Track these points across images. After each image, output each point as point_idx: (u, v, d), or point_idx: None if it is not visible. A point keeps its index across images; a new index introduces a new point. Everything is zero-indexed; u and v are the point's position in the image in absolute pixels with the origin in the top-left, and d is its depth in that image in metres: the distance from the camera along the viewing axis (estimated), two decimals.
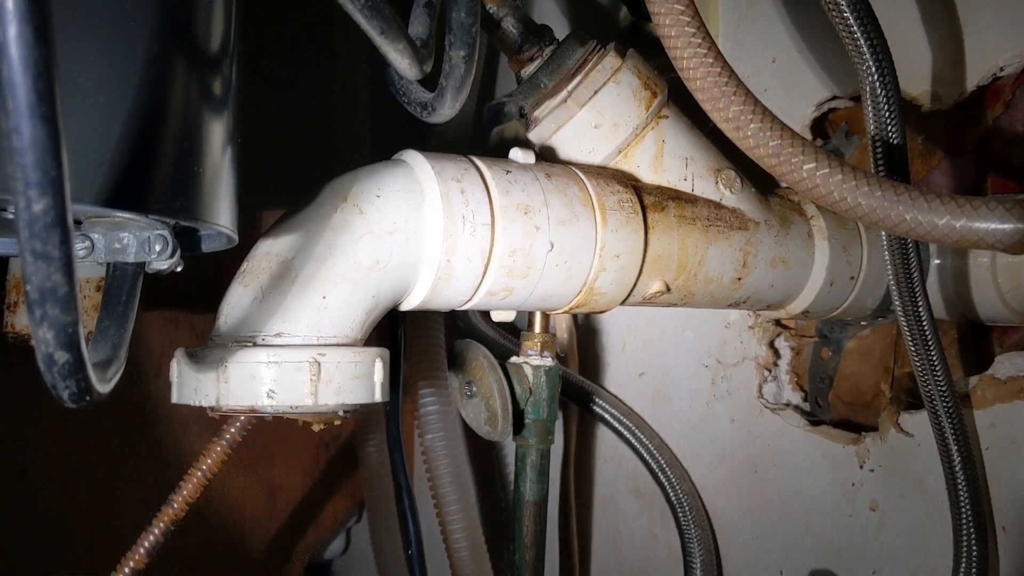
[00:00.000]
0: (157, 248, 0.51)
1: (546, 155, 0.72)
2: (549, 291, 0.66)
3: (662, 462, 1.03)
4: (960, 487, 0.76)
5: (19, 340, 0.73)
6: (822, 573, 0.94)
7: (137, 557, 0.57)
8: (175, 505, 0.58)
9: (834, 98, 0.94)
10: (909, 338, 0.76)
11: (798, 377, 1.02)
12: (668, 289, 0.72)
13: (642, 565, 1.13)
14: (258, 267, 0.59)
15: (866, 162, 0.76)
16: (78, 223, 0.52)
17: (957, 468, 0.77)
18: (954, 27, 0.84)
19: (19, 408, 0.95)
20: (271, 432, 1.22)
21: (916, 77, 0.86)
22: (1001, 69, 0.82)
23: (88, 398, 0.38)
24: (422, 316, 1.09)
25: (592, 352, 1.17)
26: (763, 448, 1.00)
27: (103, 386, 0.41)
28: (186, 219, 0.49)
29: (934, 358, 0.76)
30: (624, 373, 1.14)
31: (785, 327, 1.03)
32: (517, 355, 0.79)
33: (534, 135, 0.72)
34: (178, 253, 0.51)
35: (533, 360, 0.78)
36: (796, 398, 1.01)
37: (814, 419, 0.99)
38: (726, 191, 0.75)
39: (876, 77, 0.70)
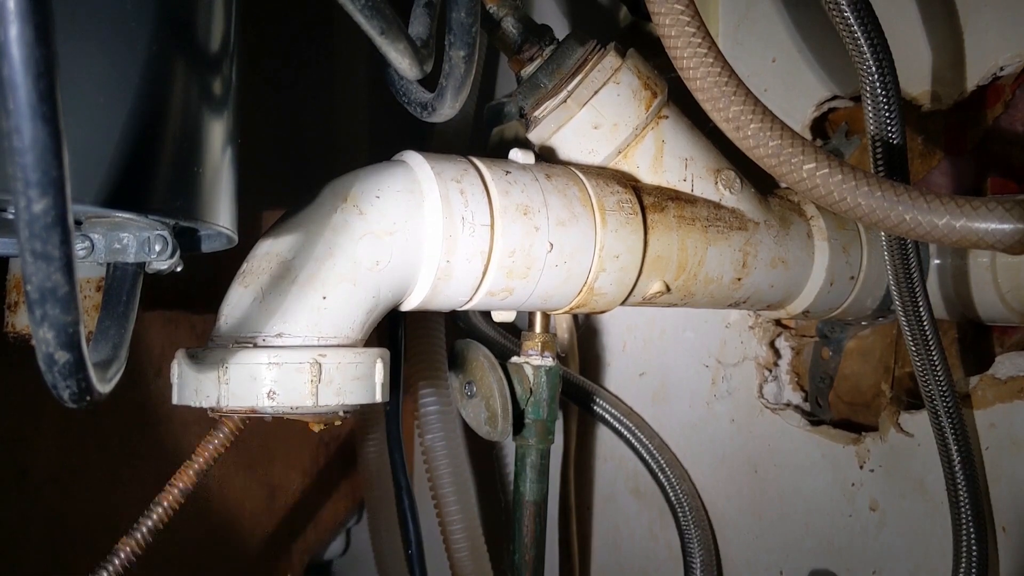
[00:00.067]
0: (157, 248, 0.51)
1: (546, 155, 0.72)
2: (549, 291, 0.66)
3: (662, 462, 1.03)
4: (960, 487, 0.76)
5: (19, 340, 0.73)
6: (822, 573, 0.95)
7: (122, 555, 0.56)
8: (164, 504, 0.57)
9: (834, 98, 0.94)
10: (909, 338, 0.76)
11: (798, 377, 1.02)
12: (668, 289, 0.72)
13: (642, 565, 1.13)
14: (258, 267, 0.59)
15: (866, 162, 0.76)
16: (78, 223, 0.52)
17: (957, 468, 0.77)
18: (954, 27, 0.84)
19: (19, 408, 0.95)
20: (271, 432, 1.22)
21: (916, 77, 0.86)
22: (1001, 69, 0.82)
23: (88, 398, 0.38)
24: (422, 316, 1.09)
25: (592, 352, 1.17)
26: (763, 448, 1.00)
27: (103, 386, 0.41)
28: (186, 219, 0.49)
29: (934, 358, 0.76)
30: (624, 373, 1.14)
31: (785, 327, 1.03)
32: (518, 355, 0.79)
33: (534, 135, 0.72)
34: (178, 253, 0.51)
35: (534, 360, 0.78)
36: (796, 398, 1.01)
37: (814, 419, 0.99)
38: (726, 191, 0.75)
39: (876, 77, 0.70)
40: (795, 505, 0.97)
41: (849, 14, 0.68)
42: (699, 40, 0.60)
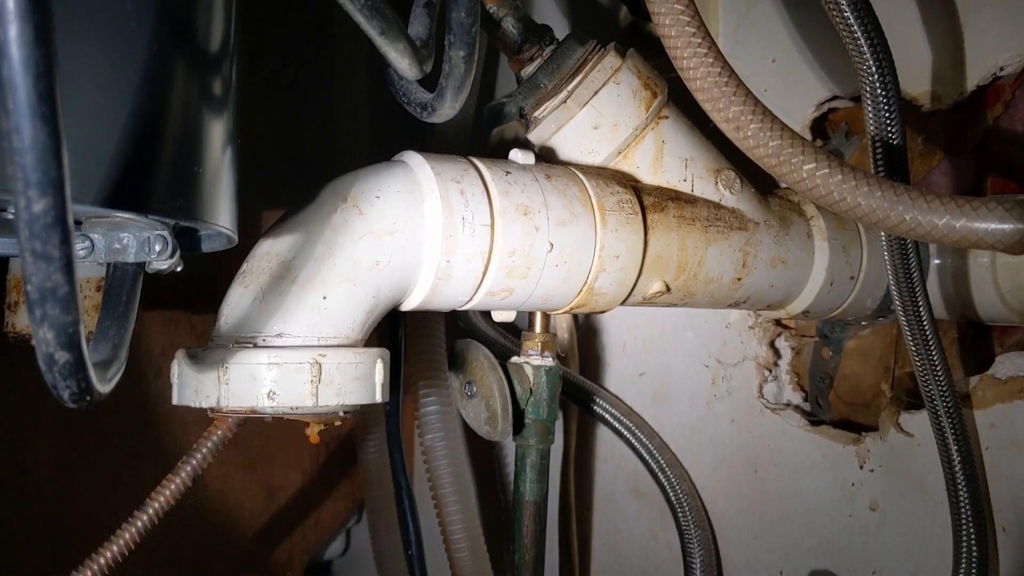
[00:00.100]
0: (157, 248, 0.51)
1: (546, 156, 0.72)
2: (549, 291, 0.66)
3: (662, 462, 1.03)
4: (960, 487, 0.76)
5: (19, 340, 0.73)
6: (822, 573, 0.94)
7: (109, 554, 0.56)
8: (158, 502, 0.57)
9: (834, 98, 0.94)
10: (909, 338, 0.76)
11: (798, 377, 1.02)
12: (668, 289, 0.72)
13: (642, 565, 1.13)
14: (258, 267, 0.59)
15: (866, 162, 0.76)
16: (78, 223, 0.52)
17: (957, 468, 0.77)
18: (954, 27, 0.84)
19: (19, 408, 0.95)
20: (271, 432, 1.22)
21: (916, 77, 0.86)
22: (1001, 69, 0.82)
23: (88, 398, 0.38)
24: (422, 316, 1.09)
25: (592, 352, 1.17)
26: (763, 448, 1.00)
27: (103, 386, 0.41)
28: (186, 219, 0.49)
29: (934, 358, 0.76)
30: (624, 373, 1.14)
31: (785, 327, 1.03)
32: (518, 355, 0.79)
33: (534, 136, 0.72)
34: (178, 253, 0.51)
35: (534, 360, 0.78)
36: (796, 398, 1.01)
37: (814, 419, 0.99)
38: (726, 191, 0.75)
39: (876, 77, 0.70)
40: (795, 505, 0.97)
41: (849, 14, 0.68)
42: (699, 40, 0.60)
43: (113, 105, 0.44)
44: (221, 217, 0.52)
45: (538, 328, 0.78)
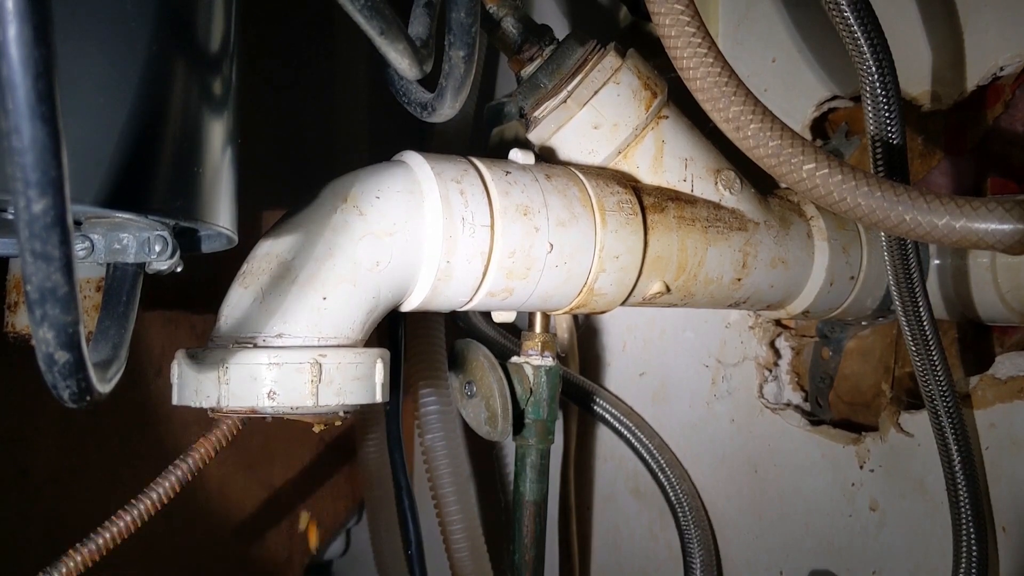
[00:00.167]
0: (157, 248, 0.51)
1: (546, 156, 0.72)
2: (549, 292, 0.66)
3: (662, 462, 1.03)
4: (960, 487, 0.76)
5: (19, 340, 0.73)
6: (822, 573, 0.94)
7: (90, 550, 0.56)
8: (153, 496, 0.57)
9: (834, 98, 0.94)
10: (909, 338, 0.76)
11: (798, 377, 1.02)
12: (668, 290, 0.72)
13: (642, 565, 1.13)
14: (258, 268, 0.59)
15: (866, 162, 0.76)
16: (78, 223, 0.52)
17: (957, 468, 0.77)
18: (954, 27, 0.84)
19: (19, 408, 0.95)
20: (271, 432, 1.22)
21: (916, 77, 0.86)
22: (1001, 69, 0.82)
23: (88, 398, 0.38)
24: (422, 316, 1.09)
25: (592, 352, 1.17)
26: (763, 448, 1.00)
27: (103, 386, 0.41)
28: (186, 220, 0.49)
29: (934, 358, 0.76)
30: (624, 373, 1.14)
31: (785, 327, 1.03)
32: (518, 355, 0.79)
33: (534, 136, 0.72)
34: (178, 253, 0.51)
35: (534, 360, 0.78)
36: (796, 398, 1.01)
37: (814, 419, 0.99)
38: (726, 192, 0.75)
39: (876, 77, 0.70)
40: (795, 505, 0.97)
41: (849, 14, 0.68)
42: (699, 40, 0.60)
43: (113, 105, 0.44)
44: (221, 217, 0.52)
45: (538, 328, 0.78)
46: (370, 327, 0.61)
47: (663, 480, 1.03)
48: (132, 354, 0.50)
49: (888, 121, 0.71)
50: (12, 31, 0.29)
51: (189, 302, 1.09)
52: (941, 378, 0.76)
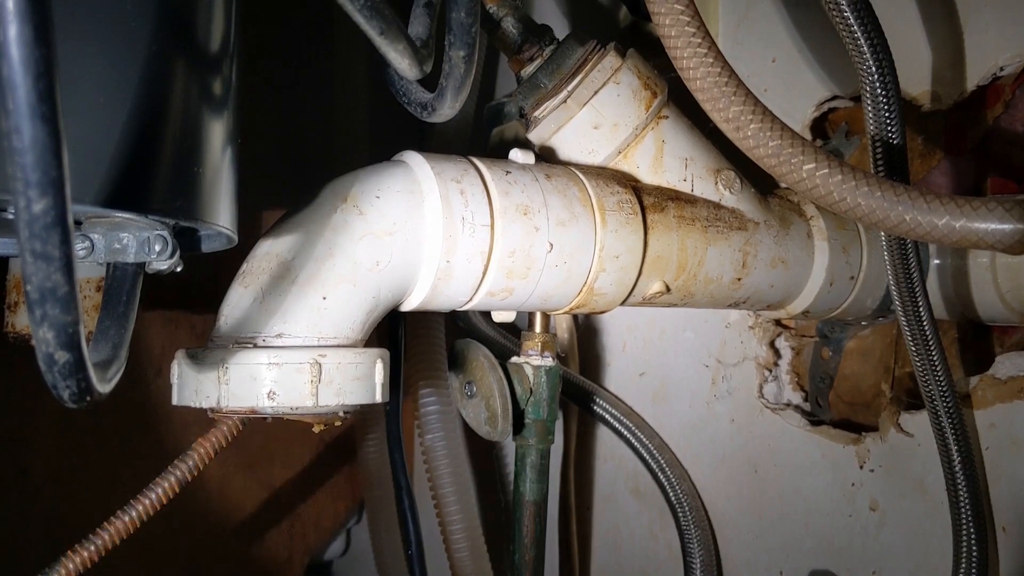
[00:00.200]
0: (157, 248, 0.51)
1: (546, 156, 0.72)
2: (549, 292, 0.66)
3: (662, 462, 1.03)
4: (960, 487, 0.76)
5: (19, 340, 0.73)
6: (822, 573, 0.95)
7: (86, 553, 0.56)
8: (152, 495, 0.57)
9: (834, 98, 0.94)
10: (909, 338, 0.76)
11: (798, 377, 1.02)
12: (668, 289, 0.72)
13: (642, 565, 1.13)
14: (258, 268, 0.59)
15: (866, 162, 0.76)
16: (78, 223, 0.52)
17: (957, 468, 0.77)
18: (954, 27, 0.84)
19: (19, 408, 0.95)
20: (270, 432, 1.22)
21: (916, 77, 0.86)
22: (1001, 69, 0.82)
23: (88, 398, 0.38)
24: (422, 316, 1.09)
25: (592, 352, 1.17)
26: (763, 448, 1.00)
27: (103, 386, 0.41)
28: (186, 219, 0.49)
29: (934, 358, 0.76)
30: (624, 373, 1.14)
31: (785, 327, 1.03)
32: (518, 355, 0.79)
33: (534, 135, 0.72)
34: (178, 253, 0.51)
35: (534, 360, 0.78)
36: (796, 398, 1.01)
37: (814, 419, 0.99)
38: (726, 191, 0.75)
39: (876, 77, 0.70)
40: (795, 505, 0.97)
41: (849, 14, 0.68)
42: (699, 40, 0.60)
43: (113, 105, 0.44)
44: (221, 217, 0.52)
45: (538, 328, 0.78)
46: (370, 327, 0.61)
47: (663, 480, 1.03)
48: (132, 354, 0.50)
49: (888, 121, 0.71)
50: (13, 31, 0.29)
51: (189, 302, 1.09)
52: (941, 378, 0.76)
